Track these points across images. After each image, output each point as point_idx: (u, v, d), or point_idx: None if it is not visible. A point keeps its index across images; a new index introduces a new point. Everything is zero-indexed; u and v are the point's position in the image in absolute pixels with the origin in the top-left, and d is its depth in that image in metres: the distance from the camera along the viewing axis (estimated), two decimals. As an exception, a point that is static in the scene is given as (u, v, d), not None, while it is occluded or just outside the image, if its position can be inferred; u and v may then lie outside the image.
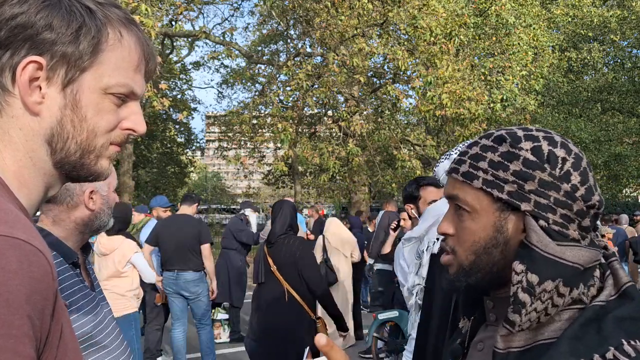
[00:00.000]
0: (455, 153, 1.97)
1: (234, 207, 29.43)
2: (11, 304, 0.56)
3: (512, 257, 0.84)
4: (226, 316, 7.18)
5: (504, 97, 12.79)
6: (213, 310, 6.68)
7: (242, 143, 17.81)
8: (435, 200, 2.67)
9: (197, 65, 24.20)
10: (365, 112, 14.17)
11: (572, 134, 18.10)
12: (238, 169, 19.00)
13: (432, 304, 1.94)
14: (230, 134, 19.47)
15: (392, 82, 13.18)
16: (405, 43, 12.29)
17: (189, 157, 28.81)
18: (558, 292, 0.81)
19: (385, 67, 14.31)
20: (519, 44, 14.44)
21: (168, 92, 20.41)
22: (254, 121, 15.08)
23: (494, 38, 14.43)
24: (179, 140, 27.23)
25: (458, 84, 11.31)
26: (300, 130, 15.13)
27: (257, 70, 15.64)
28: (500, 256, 0.87)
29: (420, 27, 11.01)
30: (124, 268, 4.30)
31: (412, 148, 15.21)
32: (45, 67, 0.70)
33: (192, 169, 30.15)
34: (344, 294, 6.83)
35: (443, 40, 11.43)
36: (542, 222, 0.82)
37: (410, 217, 2.85)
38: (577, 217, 0.84)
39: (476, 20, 14.17)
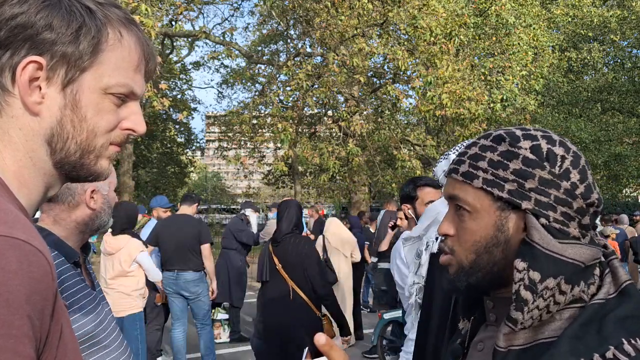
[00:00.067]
0: (454, 153, 1.97)
1: (234, 207, 29.44)
2: (11, 304, 0.56)
3: (513, 256, 0.84)
4: (226, 316, 7.18)
5: (504, 97, 12.79)
6: (213, 310, 6.68)
7: (242, 143, 17.82)
8: (432, 201, 2.67)
9: (197, 65, 24.21)
10: (365, 112, 14.17)
11: (572, 134, 18.10)
12: (238, 169, 19.00)
13: (432, 303, 1.94)
14: (230, 134, 19.47)
15: (392, 82, 13.19)
16: (405, 43, 12.29)
17: (189, 157, 28.83)
18: (560, 289, 0.81)
19: (385, 67, 14.32)
20: (519, 44, 14.45)
21: (168, 92, 20.41)
22: (254, 121, 15.08)
23: (494, 38, 14.43)
24: (179, 140, 27.25)
25: (458, 84, 11.31)
26: (300, 130, 15.13)
27: (257, 70, 15.64)
28: (501, 255, 0.87)
29: (420, 27, 11.01)
30: (130, 267, 4.31)
31: (412, 148, 15.22)
32: (45, 67, 0.69)
33: (192, 169, 30.17)
34: (343, 294, 6.83)
35: (443, 40, 11.43)
36: (542, 220, 0.83)
37: (406, 217, 2.85)
38: (577, 215, 0.84)
39: (476, 20, 14.17)
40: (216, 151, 23.34)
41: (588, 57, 20.59)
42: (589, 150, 18.52)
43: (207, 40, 16.59)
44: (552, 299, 0.81)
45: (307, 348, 0.86)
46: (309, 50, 14.27)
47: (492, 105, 12.43)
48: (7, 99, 0.70)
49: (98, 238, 9.55)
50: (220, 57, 14.72)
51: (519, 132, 0.89)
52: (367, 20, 11.90)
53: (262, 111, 15.72)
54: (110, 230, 4.54)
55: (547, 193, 0.83)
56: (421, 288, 2.20)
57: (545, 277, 0.80)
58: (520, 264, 0.81)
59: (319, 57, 13.57)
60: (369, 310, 9.24)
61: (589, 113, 21.06)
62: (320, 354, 0.80)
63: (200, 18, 31.68)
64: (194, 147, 28.96)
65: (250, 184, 22.67)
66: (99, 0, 0.74)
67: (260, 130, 15.13)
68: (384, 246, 5.81)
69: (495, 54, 14.43)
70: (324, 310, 3.89)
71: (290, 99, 12.88)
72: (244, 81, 18.20)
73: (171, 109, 18.84)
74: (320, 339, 0.77)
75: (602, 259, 0.87)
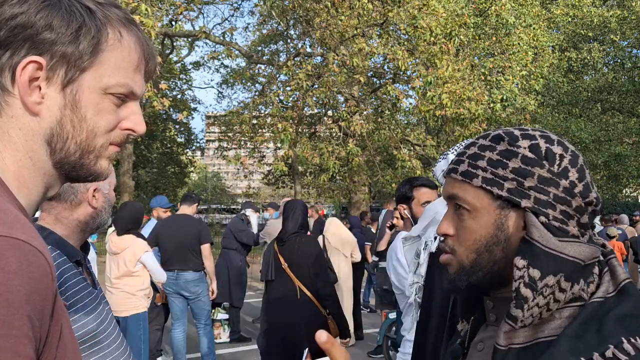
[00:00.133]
0: (452, 153, 1.97)
1: (234, 207, 29.47)
2: (11, 304, 0.56)
3: (513, 255, 0.85)
4: (226, 316, 7.18)
5: (504, 97, 12.80)
6: (213, 310, 6.68)
7: (242, 143, 17.83)
8: (428, 201, 2.68)
9: (197, 65, 24.23)
10: (365, 112, 14.18)
11: (572, 134, 18.11)
12: (238, 169, 19.01)
13: (432, 302, 1.94)
14: (230, 134, 19.48)
15: (392, 82, 13.19)
16: (405, 43, 12.30)
17: (189, 157, 28.85)
18: (560, 287, 0.81)
19: (385, 67, 14.32)
20: (519, 44, 14.45)
21: (168, 92, 20.42)
22: (254, 121, 15.09)
23: (494, 38, 14.43)
24: (179, 140, 27.27)
25: (458, 84, 11.31)
26: (300, 130, 15.13)
27: (257, 70, 15.65)
28: (502, 254, 0.87)
29: (420, 27, 11.01)
30: (134, 267, 4.32)
31: (412, 148, 15.22)
32: (45, 67, 0.69)
33: (192, 169, 30.19)
34: (343, 294, 6.83)
35: (443, 40, 11.43)
36: (542, 218, 0.83)
37: (402, 218, 2.86)
38: (576, 213, 0.85)
39: (476, 20, 14.17)
40: (216, 151, 23.36)
41: (588, 57, 20.60)
42: (589, 150, 18.53)
43: (207, 40, 16.59)
44: (552, 296, 0.81)
45: (306, 349, 0.85)
46: (309, 50, 14.28)
47: (492, 105, 12.44)
48: (6, 99, 0.70)
49: (98, 238, 9.55)
50: (220, 57, 14.74)
51: (517, 132, 0.89)
52: (367, 20, 11.90)
53: (262, 111, 15.72)
54: (113, 229, 4.55)
55: (546, 191, 0.84)
56: (421, 287, 2.21)
57: (545, 275, 0.80)
58: (520, 262, 0.82)
59: (319, 57, 13.58)
60: (369, 310, 9.24)
61: (589, 113, 21.06)
62: (321, 354, 0.80)
63: (200, 18, 31.70)
64: (194, 147, 28.99)
65: (250, 184, 22.69)
66: (98, 0, 0.74)
67: (260, 130, 15.14)
68: (382, 245, 5.82)
69: (495, 54, 14.44)
70: None
71: (290, 99, 12.88)
72: (244, 81, 18.21)
73: (171, 109, 18.85)
74: (321, 336, 0.76)
75: (601, 257, 0.88)
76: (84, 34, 0.71)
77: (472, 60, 13.47)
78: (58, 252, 1.47)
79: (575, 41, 21.02)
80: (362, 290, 8.74)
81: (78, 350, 0.72)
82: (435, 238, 2.11)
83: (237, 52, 14.20)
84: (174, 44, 20.25)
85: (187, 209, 5.69)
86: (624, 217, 11.22)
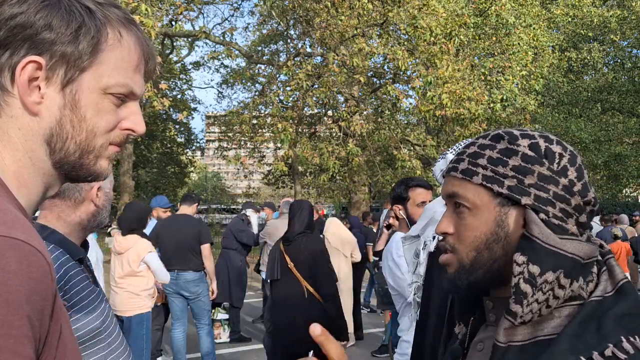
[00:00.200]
0: (451, 153, 1.97)
1: (234, 207, 29.46)
2: (11, 305, 0.56)
3: (512, 253, 0.85)
4: (226, 316, 7.18)
5: (504, 97, 12.80)
6: (213, 310, 6.68)
7: (242, 143, 17.82)
8: (424, 202, 2.69)
9: (197, 65, 24.24)
10: (365, 112, 14.18)
11: (572, 134, 18.11)
12: (238, 169, 19.01)
13: (430, 302, 1.94)
14: (230, 134, 19.49)
15: (392, 82, 13.19)
16: (405, 43, 12.30)
17: (189, 157, 28.86)
18: (559, 283, 0.82)
19: (385, 67, 14.32)
20: (519, 44, 14.46)
21: (168, 92, 20.42)
22: (254, 121, 15.09)
23: (494, 38, 14.44)
24: (179, 140, 27.27)
25: (458, 84, 11.31)
26: (300, 130, 15.13)
27: (257, 70, 15.65)
28: (502, 252, 0.87)
29: (420, 27, 11.02)
30: (138, 267, 4.33)
31: (412, 148, 15.22)
32: (44, 67, 0.69)
33: (192, 169, 30.20)
34: (343, 294, 6.83)
35: (443, 40, 11.44)
36: (542, 216, 0.84)
37: (397, 218, 2.86)
38: (575, 212, 0.85)
39: (476, 20, 14.17)
40: (216, 151, 23.37)
41: (588, 57, 20.60)
42: (589, 150, 18.53)
43: (207, 40, 16.59)
44: (551, 292, 0.82)
45: (311, 352, 0.84)
46: (309, 50, 14.28)
47: (492, 105, 12.44)
48: (6, 99, 0.70)
49: (98, 238, 9.55)
50: (220, 57, 14.74)
51: (516, 132, 0.90)
52: (367, 20, 11.90)
53: (262, 111, 15.72)
54: (116, 229, 4.55)
55: (546, 189, 0.84)
56: (420, 287, 2.21)
57: (544, 271, 0.81)
58: (519, 258, 0.82)
59: (319, 57, 13.58)
60: (369, 310, 9.24)
61: (589, 113, 21.07)
62: (325, 357, 0.79)
63: (200, 18, 31.69)
64: (194, 147, 29.00)
65: (250, 184, 22.68)
66: (98, 0, 0.74)
67: (260, 130, 15.14)
68: (380, 245, 5.83)
69: (495, 54, 14.44)
70: None
71: (290, 99, 12.89)
72: (244, 81, 18.21)
73: (171, 109, 18.86)
74: (315, 329, 0.76)
75: (599, 257, 0.88)
76: (83, 33, 0.71)
77: (472, 60, 13.48)
78: (61, 251, 1.48)
79: (575, 41, 21.02)
80: (363, 290, 8.73)
81: (78, 350, 0.72)
82: (434, 237, 2.11)
83: (237, 52, 14.21)
84: (174, 44, 20.25)
85: (187, 209, 5.69)
86: (624, 217, 11.21)
